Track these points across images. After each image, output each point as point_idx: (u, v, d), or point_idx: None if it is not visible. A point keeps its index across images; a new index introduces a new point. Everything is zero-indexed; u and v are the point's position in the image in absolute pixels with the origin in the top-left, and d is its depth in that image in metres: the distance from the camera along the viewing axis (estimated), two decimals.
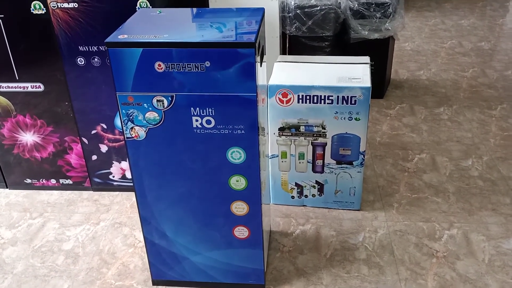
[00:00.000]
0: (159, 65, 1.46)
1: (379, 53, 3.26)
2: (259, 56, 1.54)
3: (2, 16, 2.12)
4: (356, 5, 3.08)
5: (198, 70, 1.46)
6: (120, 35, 1.47)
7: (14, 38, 2.18)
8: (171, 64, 1.46)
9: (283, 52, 3.21)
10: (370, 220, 2.29)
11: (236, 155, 1.61)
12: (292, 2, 3.05)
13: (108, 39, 1.45)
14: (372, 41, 3.13)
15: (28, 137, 2.44)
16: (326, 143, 2.21)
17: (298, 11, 3.06)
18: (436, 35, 4.83)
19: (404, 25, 3.31)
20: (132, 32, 1.51)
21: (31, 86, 2.30)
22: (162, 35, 1.47)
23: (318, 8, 3.05)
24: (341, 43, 3.23)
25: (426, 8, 5.74)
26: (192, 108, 1.53)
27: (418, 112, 3.29)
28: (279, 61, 2.36)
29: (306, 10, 3.06)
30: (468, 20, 5.29)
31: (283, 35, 3.16)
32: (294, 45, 3.22)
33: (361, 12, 3.10)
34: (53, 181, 2.56)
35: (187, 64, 1.45)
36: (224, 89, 1.49)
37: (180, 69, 1.46)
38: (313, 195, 2.36)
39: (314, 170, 2.30)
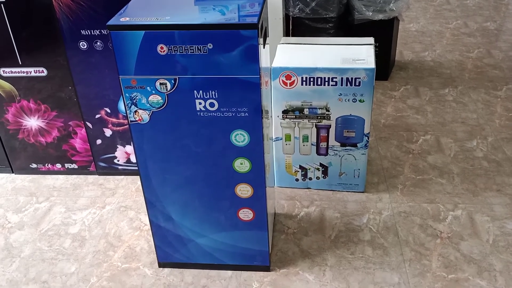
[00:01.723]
0: (162, 47, 1.45)
1: (383, 34, 3.22)
2: (262, 38, 1.53)
3: (4, 0, 2.11)
4: None
5: (201, 52, 1.45)
6: (122, 18, 1.46)
7: (16, 23, 2.17)
8: (173, 47, 1.45)
9: (287, 34, 3.18)
10: (375, 202, 2.29)
11: (240, 138, 1.61)
12: None
13: (110, 22, 1.44)
14: (376, 22, 3.10)
15: (33, 122, 2.45)
16: (330, 125, 2.20)
17: None
18: (441, 15, 4.77)
19: (409, 6, 3.27)
20: (134, 15, 1.49)
21: (34, 70, 2.30)
22: (164, 17, 1.46)
23: None
24: (345, 25, 3.20)
25: None
26: (195, 91, 1.53)
27: (422, 93, 3.27)
28: (283, 43, 2.35)
29: None
30: (473, 0, 5.22)
31: (286, 17, 3.13)
32: (298, 27, 3.19)
33: None
34: (58, 165, 2.58)
35: (190, 47, 1.45)
36: (227, 71, 1.49)
37: (182, 52, 1.45)
38: (317, 178, 2.36)
39: (318, 153, 2.30)
